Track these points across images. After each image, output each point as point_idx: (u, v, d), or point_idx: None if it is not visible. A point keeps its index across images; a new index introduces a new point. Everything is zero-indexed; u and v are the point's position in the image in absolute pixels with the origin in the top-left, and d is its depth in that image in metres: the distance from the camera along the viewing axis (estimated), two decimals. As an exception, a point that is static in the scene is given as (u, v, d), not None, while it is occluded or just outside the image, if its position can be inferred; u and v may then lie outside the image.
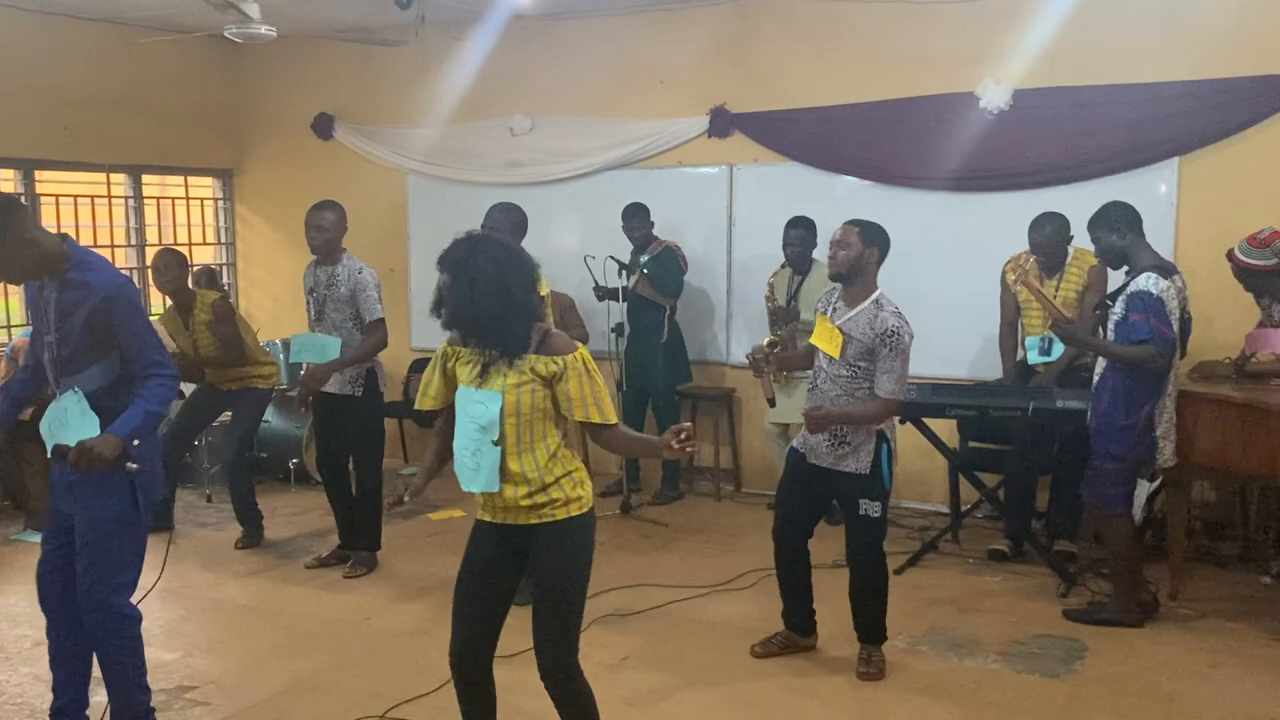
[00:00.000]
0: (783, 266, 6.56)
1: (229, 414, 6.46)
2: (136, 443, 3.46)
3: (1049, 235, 5.52)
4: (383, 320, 5.57)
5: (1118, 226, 4.68)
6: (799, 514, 4.45)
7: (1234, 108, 5.84)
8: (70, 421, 3.50)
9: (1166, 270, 4.58)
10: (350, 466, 5.82)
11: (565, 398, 3.07)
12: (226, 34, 5.66)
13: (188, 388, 6.43)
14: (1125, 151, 6.11)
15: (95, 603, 3.56)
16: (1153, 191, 6.01)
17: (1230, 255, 5.16)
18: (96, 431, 3.46)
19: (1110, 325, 4.65)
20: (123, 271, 3.71)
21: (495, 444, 3.05)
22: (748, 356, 4.53)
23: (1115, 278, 5.13)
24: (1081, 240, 5.55)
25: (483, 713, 3.30)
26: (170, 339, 6.14)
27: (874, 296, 4.21)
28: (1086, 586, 5.27)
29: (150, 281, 8.10)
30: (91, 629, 3.60)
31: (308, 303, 5.67)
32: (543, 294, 4.92)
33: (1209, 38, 5.88)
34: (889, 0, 6.51)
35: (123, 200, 8.11)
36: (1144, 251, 4.66)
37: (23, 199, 7.41)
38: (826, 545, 5.22)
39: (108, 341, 3.49)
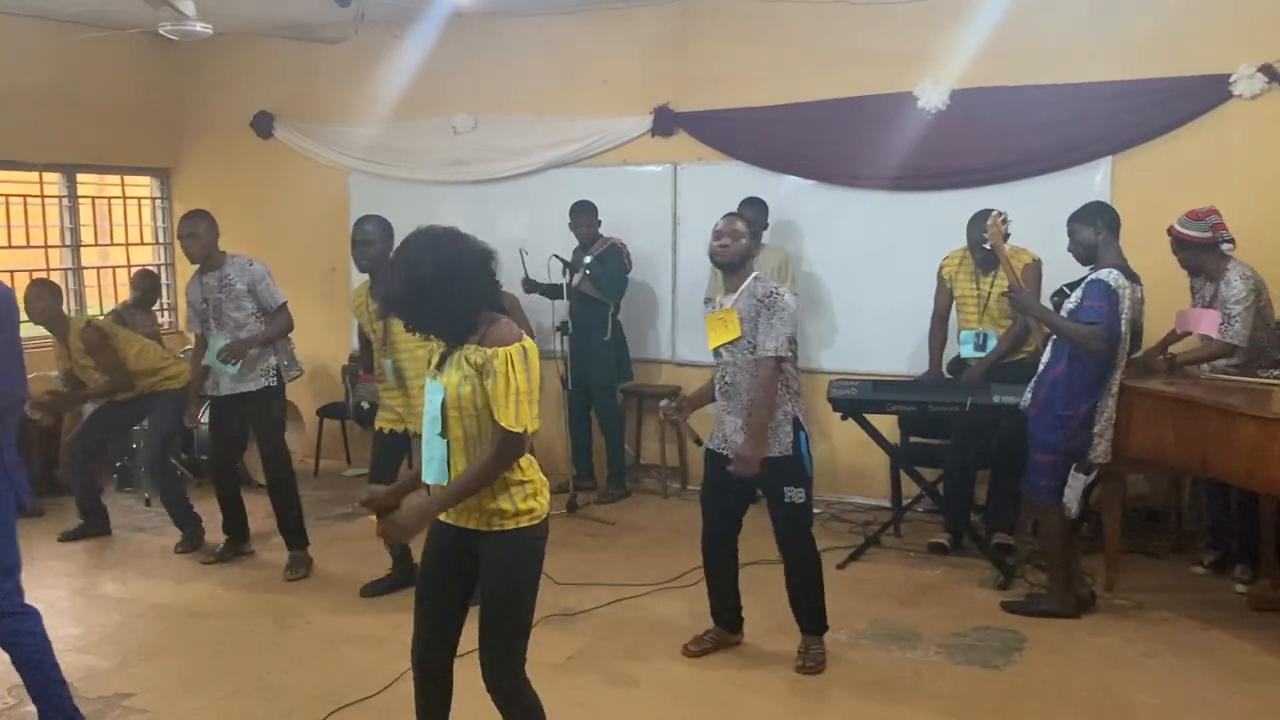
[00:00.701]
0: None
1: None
2: None
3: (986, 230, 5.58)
4: (286, 304, 5.69)
5: (1095, 222, 4.75)
6: (725, 514, 4.47)
7: (1166, 107, 5.96)
8: None
9: (1129, 273, 4.66)
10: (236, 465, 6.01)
11: (490, 395, 2.97)
12: (162, 31, 5.56)
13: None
14: (1060, 150, 6.21)
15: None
16: (1087, 190, 6.08)
17: (1170, 229, 5.26)
18: None
19: (1064, 312, 4.74)
20: (4, 284, 3.60)
21: (441, 436, 3.02)
22: (661, 416, 4.43)
23: (1063, 274, 5.21)
24: (1022, 238, 5.67)
25: (438, 711, 3.28)
26: (61, 371, 6.19)
27: (752, 275, 4.31)
28: (1025, 578, 5.36)
29: (84, 283, 8.03)
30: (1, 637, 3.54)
31: (202, 314, 5.66)
32: None
33: (1142, 38, 6.00)
34: (830, 0, 6.56)
35: (56, 200, 7.95)
36: (1113, 253, 4.73)
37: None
38: (766, 542, 5.26)
39: None
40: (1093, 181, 6.17)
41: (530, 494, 3.07)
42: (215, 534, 6.06)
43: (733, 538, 4.52)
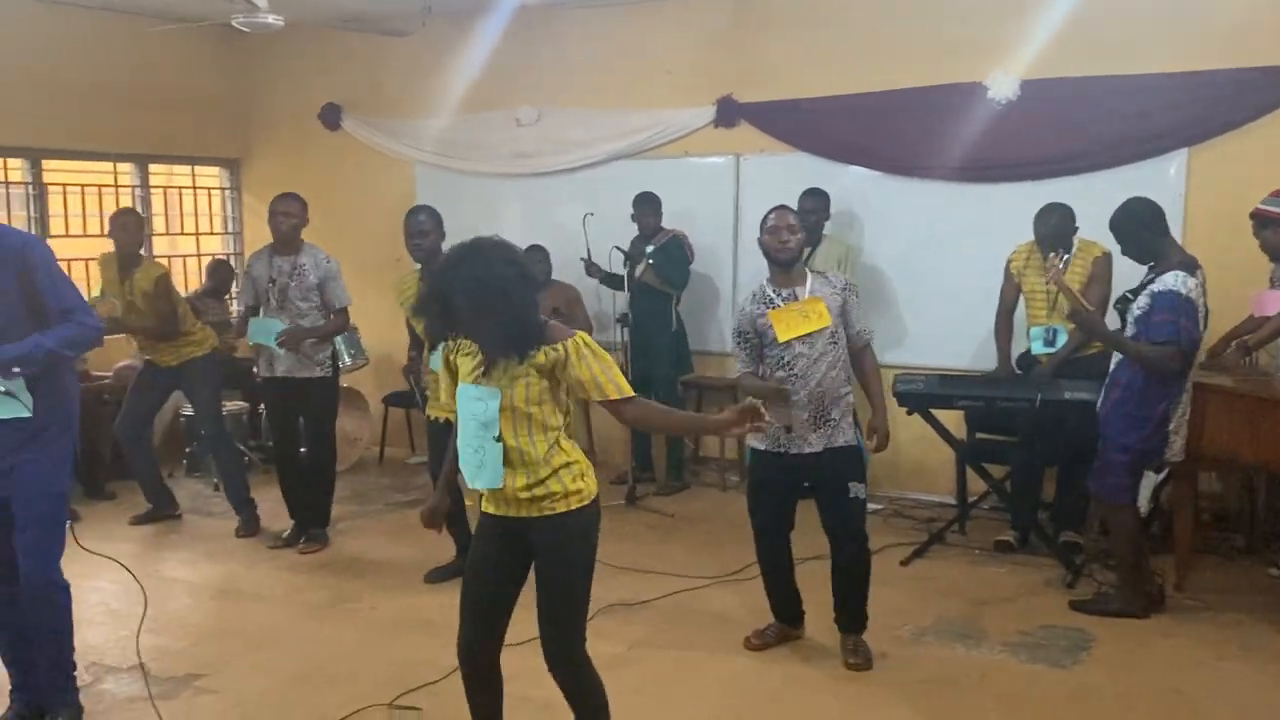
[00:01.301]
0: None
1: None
2: (16, 370, 3.42)
3: (1054, 226, 5.50)
4: (348, 308, 5.84)
5: (1146, 223, 4.64)
6: (779, 513, 4.43)
7: (1244, 98, 5.81)
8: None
9: (1191, 266, 4.55)
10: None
11: (579, 385, 3.01)
12: (234, 23, 5.65)
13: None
14: (1134, 142, 6.08)
15: (42, 578, 3.58)
16: (1162, 182, 5.97)
17: (1255, 210, 5.13)
18: (24, 407, 3.47)
19: (1130, 320, 4.61)
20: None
21: (496, 440, 3.03)
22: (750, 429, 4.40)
23: (1134, 268, 5.10)
24: (1086, 231, 5.57)
25: (490, 704, 3.31)
26: (101, 288, 6.22)
27: (809, 269, 4.38)
28: (1093, 577, 5.26)
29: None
30: (33, 604, 3.61)
31: (265, 291, 5.72)
32: None
33: (1219, 28, 5.85)
34: (899, -11, 6.50)
35: (129, 189, 8.12)
36: (1170, 247, 4.62)
37: (30, 189, 7.44)
38: (822, 537, 5.23)
39: (34, 305, 3.46)
40: (1167, 174, 6.04)
41: (578, 474, 3.12)
42: (281, 519, 6.16)
43: (788, 535, 4.49)
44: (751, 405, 2.96)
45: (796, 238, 4.25)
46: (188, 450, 7.53)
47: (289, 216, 5.66)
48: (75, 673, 3.85)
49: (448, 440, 5.27)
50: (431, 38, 7.39)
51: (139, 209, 8.14)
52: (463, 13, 7.32)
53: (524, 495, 3.07)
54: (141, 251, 6.32)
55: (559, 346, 3.00)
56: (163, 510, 6.45)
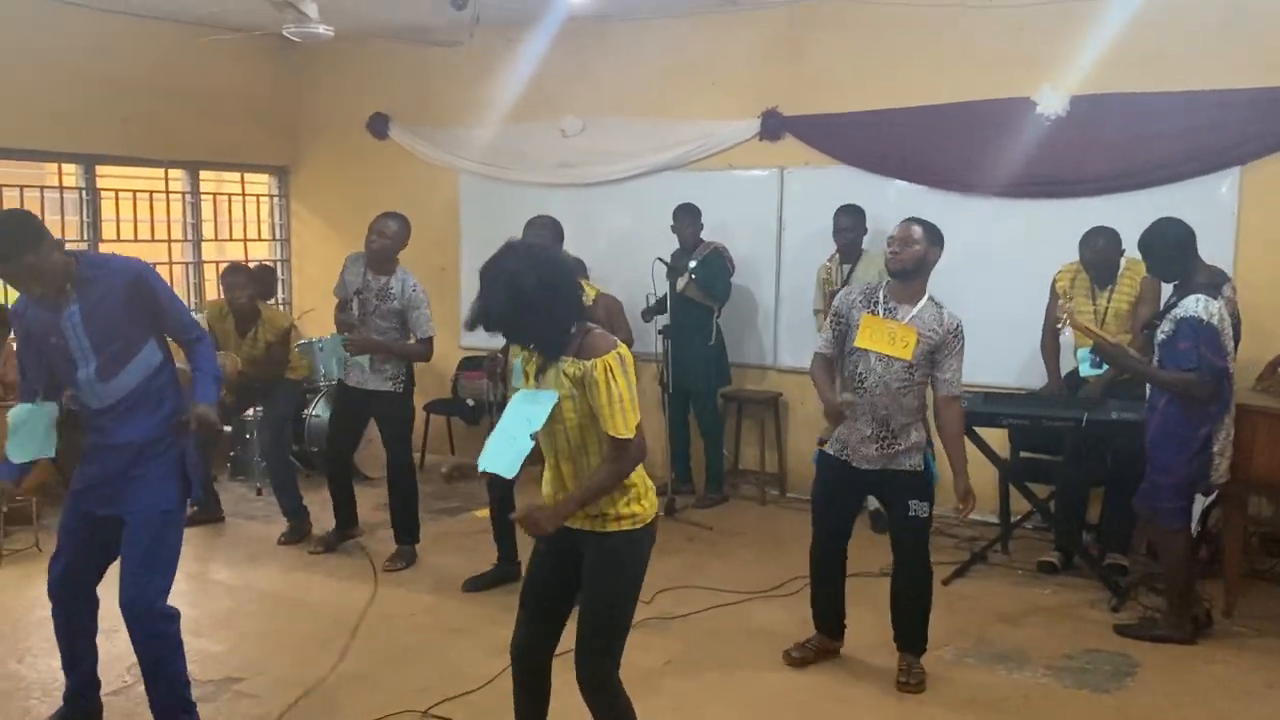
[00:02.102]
0: (831, 257, 6.55)
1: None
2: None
3: (1101, 249, 5.44)
4: (432, 339, 5.73)
5: (1174, 243, 4.58)
6: (839, 519, 4.42)
7: (1298, 117, 5.71)
8: (36, 435, 3.63)
9: (1216, 286, 4.49)
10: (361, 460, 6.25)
11: (595, 407, 3.00)
12: (285, 33, 5.72)
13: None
14: (1185, 159, 5.99)
15: (144, 605, 3.57)
16: (1214, 201, 5.89)
17: None
18: (52, 451, 3.64)
19: (1156, 343, 4.56)
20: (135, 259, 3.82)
21: (532, 438, 3.03)
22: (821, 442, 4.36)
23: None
24: (1133, 251, 5.48)
25: (536, 709, 3.31)
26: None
27: (928, 295, 4.20)
28: (1139, 601, 5.18)
29: (204, 277, 8.30)
30: (137, 632, 3.61)
31: (351, 301, 5.70)
32: (588, 297, 5.00)
33: (1271, 44, 5.75)
34: (943, 4, 6.44)
35: (180, 196, 8.24)
36: (1197, 269, 4.56)
37: (84, 194, 7.57)
38: (872, 553, 5.19)
39: (148, 321, 3.56)
40: (1219, 192, 5.94)
41: (634, 498, 3.10)
42: (322, 525, 6.21)
43: (844, 544, 4.46)
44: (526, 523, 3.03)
45: (908, 251, 4.14)
46: (231, 454, 7.61)
47: (381, 236, 5.59)
48: (192, 710, 3.79)
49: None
50: (478, 48, 7.44)
51: (188, 215, 8.27)
52: (509, 23, 7.36)
53: (586, 515, 3.08)
54: (256, 305, 6.40)
55: (585, 365, 2.98)
56: (208, 513, 6.52)
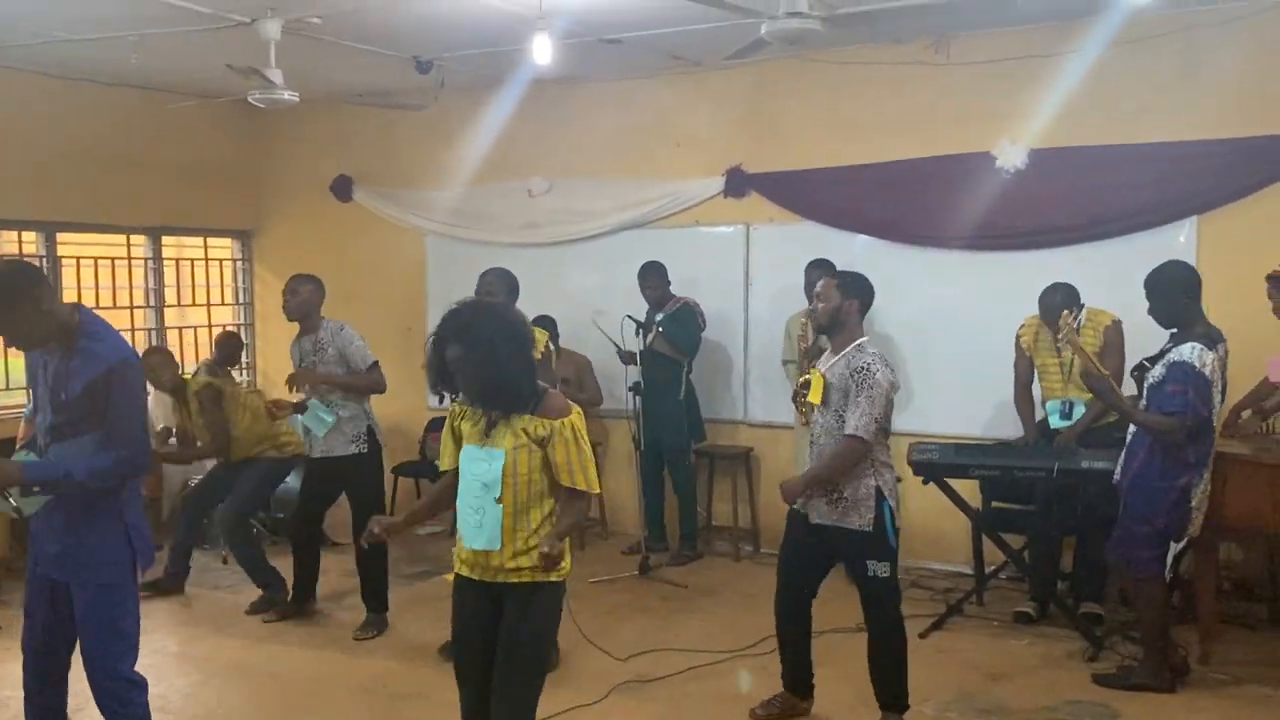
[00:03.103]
0: (807, 312, 6.58)
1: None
2: (36, 490, 3.44)
3: (1058, 304, 5.50)
4: (378, 363, 5.75)
5: (1179, 289, 4.61)
6: (801, 574, 4.40)
7: (1252, 166, 5.84)
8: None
9: (1213, 340, 4.52)
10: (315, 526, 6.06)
11: (554, 464, 3.16)
12: (251, 99, 5.72)
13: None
14: (1143, 210, 6.10)
15: (105, 672, 3.50)
16: (1171, 250, 5.93)
17: (1273, 272, 5.10)
18: (36, 505, 3.50)
19: (1145, 386, 4.59)
20: (129, 344, 3.70)
21: (497, 502, 3.13)
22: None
23: (1143, 335, 5.08)
24: (1097, 299, 5.57)
25: None
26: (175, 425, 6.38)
27: (856, 342, 4.25)
28: (1115, 650, 5.18)
29: (166, 342, 8.21)
30: (102, 699, 3.54)
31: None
32: (539, 352, 5.04)
33: (1226, 97, 5.90)
34: (904, 63, 6.56)
35: (142, 262, 8.17)
36: (1198, 319, 4.59)
37: (44, 262, 7.49)
38: (849, 607, 5.15)
39: (101, 414, 3.44)
40: (1177, 241, 6.04)
41: (561, 552, 3.20)
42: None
43: (807, 602, 4.43)
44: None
45: (823, 305, 4.26)
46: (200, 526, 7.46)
47: (293, 295, 5.71)
48: None
49: None
50: (444, 110, 7.47)
51: (151, 281, 8.19)
52: (475, 86, 7.41)
53: (510, 564, 3.17)
54: (178, 376, 6.39)
55: (549, 424, 3.14)
56: (169, 585, 6.38)
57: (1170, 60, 5.98)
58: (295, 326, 5.80)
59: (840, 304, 4.23)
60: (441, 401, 3.46)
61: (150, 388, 6.21)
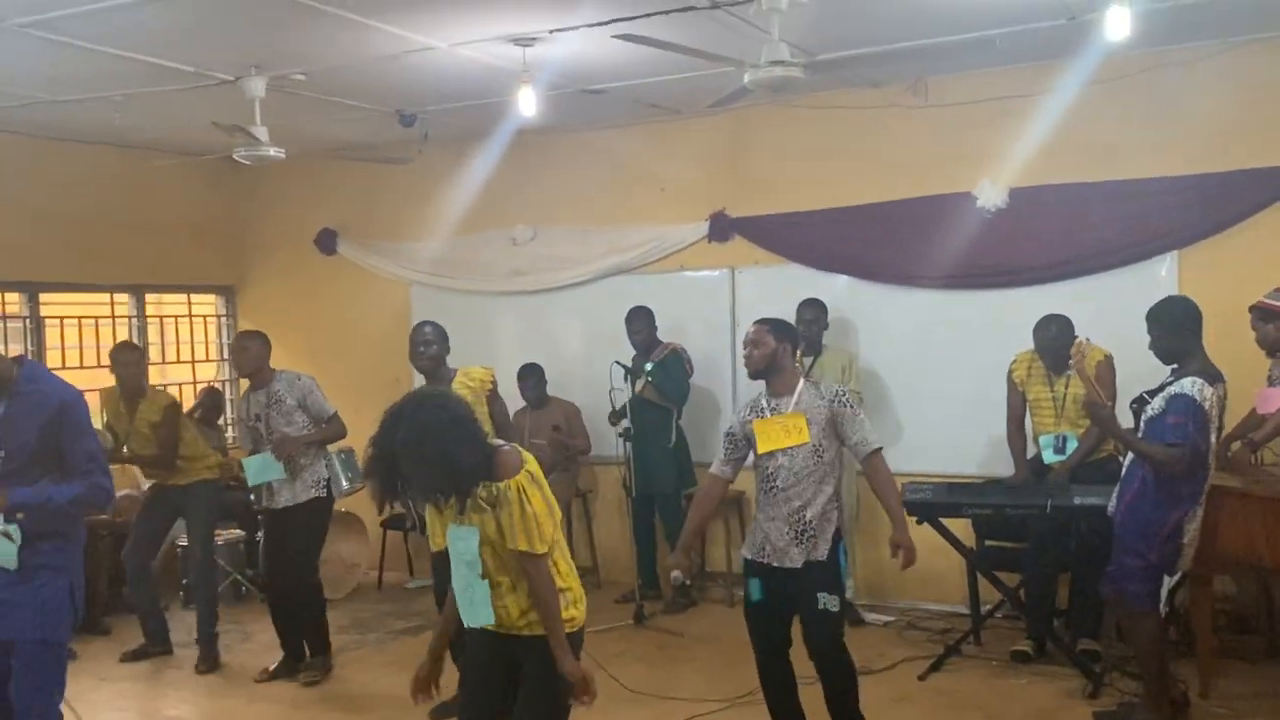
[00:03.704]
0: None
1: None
2: (20, 516, 3.45)
3: (1054, 336, 5.54)
4: (337, 414, 5.76)
5: (1179, 325, 4.61)
6: (771, 627, 4.31)
7: (1231, 200, 5.91)
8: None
9: (1213, 377, 4.53)
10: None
11: (498, 531, 3.09)
12: (236, 157, 5.73)
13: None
14: (1123, 246, 6.16)
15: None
16: (1154, 285, 6.01)
17: (1257, 303, 5.12)
18: (13, 556, 3.44)
19: (1143, 420, 4.60)
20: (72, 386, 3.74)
21: (482, 578, 3.11)
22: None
23: (1130, 368, 5.11)
24: (1090, 333, 5.58)
25: None
26: (105, 421, 6.19)
27: (802, 380, 4.30)
28: (1115, 686, 5.16)
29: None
30: None
31: (254, 430, 5.77)
32: (487, 382, 5.11)
33: (1202, 132, 5.98)
34: (882, 106, 6.63)
35: (126, 320, 8.13)
36: (1198, 355, 4.59)
37: (27, 322, 7.45)
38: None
39: (53, 453, 3.49)
40: (1159, 276, 6.11)
41: (570, 602, 3.20)
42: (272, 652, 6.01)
43: (785, 652, 4.34)
44: (589, 683, 3.14)
45: (758, 352, 4.25)
46: (184, 582, 7.38)
47: (244, 351, 5.75)
48: None
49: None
50: (427, 162, 7.49)
51: (135, 339, 8.15)
52: (458, 138, 7.45)
53: (520, 621, 3.16)
54: (144, 382, 6.31)
55: (495, 487, 3.07)
56: (155, 647, 6.29)
57: (1146, 98, 6.07)
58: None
59: (776, 348, 4.27)
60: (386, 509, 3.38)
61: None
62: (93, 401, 6.82)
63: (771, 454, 4.22)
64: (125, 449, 6.11)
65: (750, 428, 4.29)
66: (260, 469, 5.69)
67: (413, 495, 3.17)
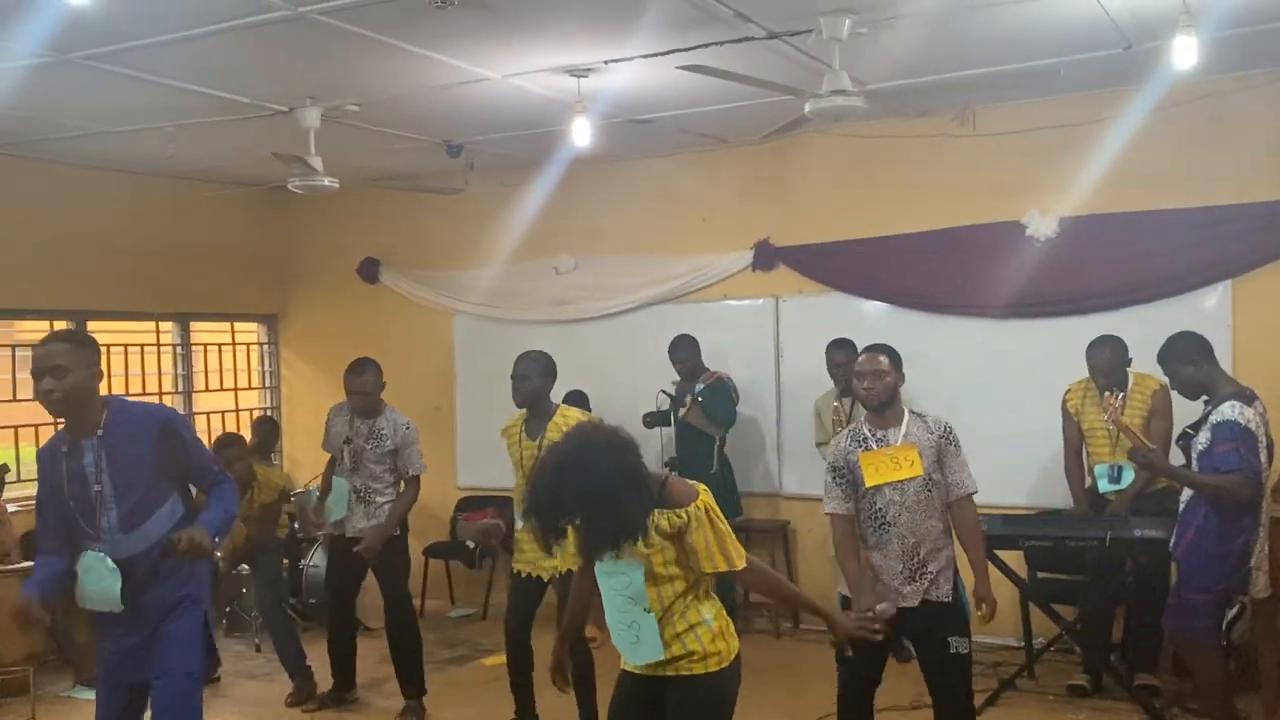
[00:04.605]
0: (829, 391, 6.55)
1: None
2: (217, 539, 3.56)
3: (1108, 358, 5.51)
4: (419, 478, 5.71)
5: (1192, 358, 4.63)
6: (867, 667, 4.18)
7: (1284, 229, 5.87)
8: (101, 581, 3.47)
9: (1248, 398, 4.51)
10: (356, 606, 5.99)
11: (692, 552, 2.97)
12: (290, 187, 5.77)
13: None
14: (1176, 276, 6.11)
15: None
16: (1207, 314, 5.99)
17: None
18: (116, 592, 3.43)
19: (1194, 455, 4.56)
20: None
21: (648, 611, 2.98)
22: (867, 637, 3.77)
23: (1188, 402, 5.06)
24: (1136, 365, 5.55)
25: None
26: None
27: (907, 411, 4.20)
28: (1176, 722, 5.08)
29: (195, 428, 8.17)
30: None
31: (340, 448, 5.71)
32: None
33: (1255, 161, 5.94)
34: (929, 135, 6.62)
35: (170, 348, 8.19)
36: (1222, 379, 4.61)
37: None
38: (902, 684, 5.06)
39: (174, 470, 3.51)
40: (1211, 305, 6.06)
41: (717, 633, 3.06)
42: (325, 680, 5.99)
43: (872, 693, 4.25)
44: (864, 618, 3.17)
45: (881, 383, 4.12)
46: (228, 610, 7.38)
47: (362, 395, 5.62)
48: None
49: (531, 596, 5.10)
50: (470, 191, 7.51)
51: (179, 366, 8.20)
52: (502, 166, 7.49)
53: (665, 655, 3.02)
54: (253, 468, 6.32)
55: (683, 513, 2.95)
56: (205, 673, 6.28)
57: (1199, 126, 6.03)
58: (317, 407, 5.78)
59: (896, 378, 4.17)
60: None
61: None
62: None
63: (879, 488, 4.10)
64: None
65: (855, 460, 4.15)
66: (339, 503, 5.68)
67: (585, 544, 2.99)
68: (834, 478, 4.22)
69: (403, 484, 5.73)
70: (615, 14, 4.50)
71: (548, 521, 2.96)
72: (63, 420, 3.55)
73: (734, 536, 3.05)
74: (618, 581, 3.00)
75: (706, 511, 2.96)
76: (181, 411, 8.16)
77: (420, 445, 5.72)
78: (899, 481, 4.08)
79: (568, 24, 4.61)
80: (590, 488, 2.87)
